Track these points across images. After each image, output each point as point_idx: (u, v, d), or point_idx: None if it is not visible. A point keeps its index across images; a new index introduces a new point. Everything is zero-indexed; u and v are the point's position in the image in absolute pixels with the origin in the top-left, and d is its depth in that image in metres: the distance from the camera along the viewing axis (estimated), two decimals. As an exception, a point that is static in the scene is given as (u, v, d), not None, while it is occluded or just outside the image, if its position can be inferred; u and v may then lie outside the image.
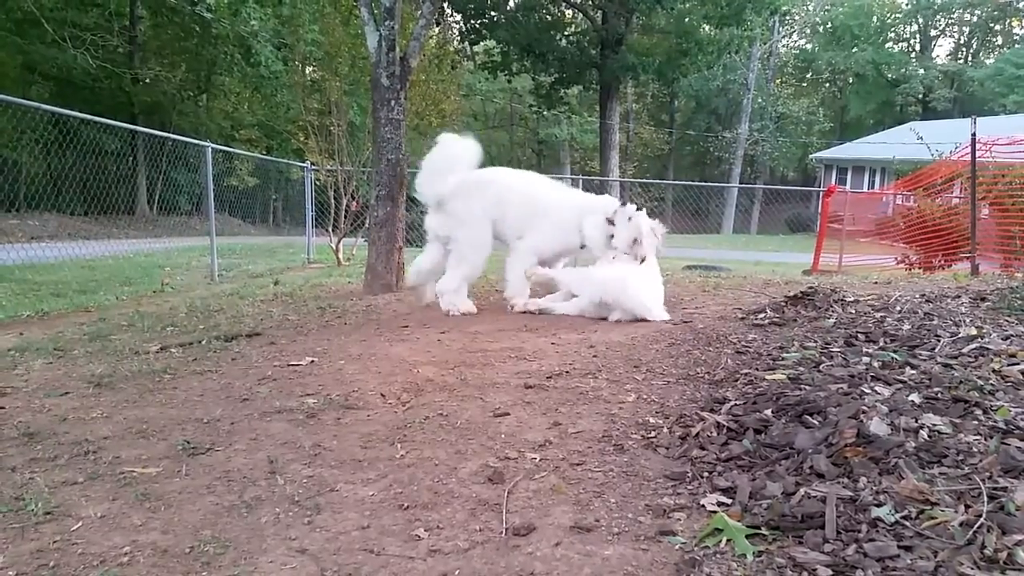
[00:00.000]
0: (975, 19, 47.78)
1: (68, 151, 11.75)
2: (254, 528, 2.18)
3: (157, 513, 2.29)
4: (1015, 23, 45.64)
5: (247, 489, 2.45)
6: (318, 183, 12.65)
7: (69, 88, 22.80)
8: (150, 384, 3.71)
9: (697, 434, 2.70)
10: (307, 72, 14.57)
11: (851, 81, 47.17)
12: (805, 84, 50.77)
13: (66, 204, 15.50)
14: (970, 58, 48.10)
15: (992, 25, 47.66)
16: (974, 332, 3.56)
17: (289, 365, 3.98)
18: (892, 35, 49.40)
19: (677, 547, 1.96)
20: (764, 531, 1.96)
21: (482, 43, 28.39)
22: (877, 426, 2.39)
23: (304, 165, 12.86)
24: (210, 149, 9.98)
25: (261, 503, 2.34)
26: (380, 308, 5.89)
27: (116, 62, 22.33)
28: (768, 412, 2.74)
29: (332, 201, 11.69)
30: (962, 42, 49.94)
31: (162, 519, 2.25)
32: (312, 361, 4.05)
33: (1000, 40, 48.02)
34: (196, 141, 10.76)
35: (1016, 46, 42.96)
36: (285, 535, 2.14)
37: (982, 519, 1.83)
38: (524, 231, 5.63)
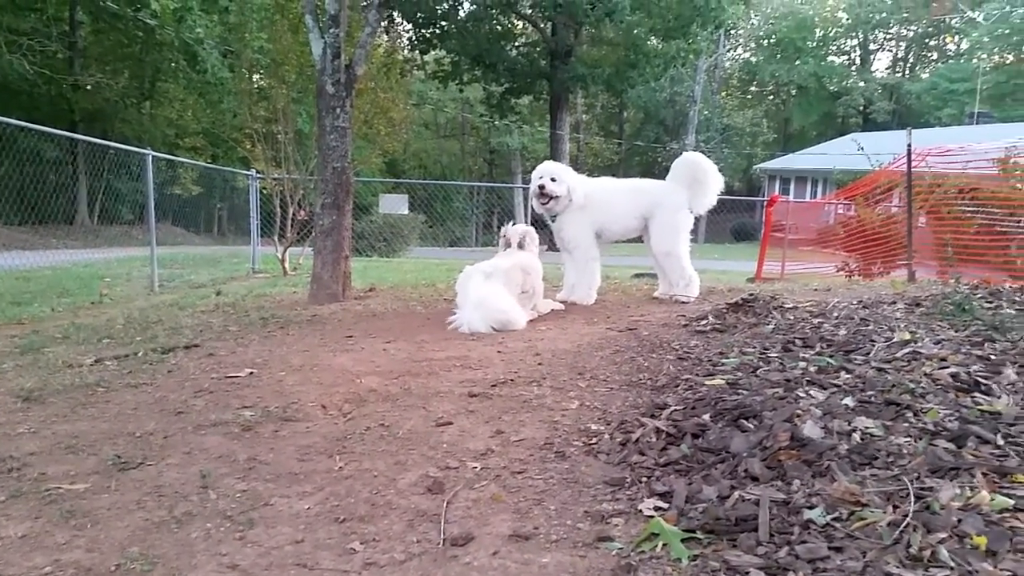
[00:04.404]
0: (911, 34, 49.43)
1: (4, 159, 11.38)
2: (184, 544, 2.13)
3: (83, 530, 2.22)
4: (949, 40, 47.30)
5: (178, 504, 2.38)
6: (264, 191, 12.44)
7: (5, 94, 22.05)
8: (82, 398, 3.60)
9: (637, 440, 2.71)
10: (254, 79, 14.34)
11: (794, 93, 48.28)
12: (750, 96, 51.78)
13: (1, 213, 14.99)
14: (907, 72, 49.69)
15: (927, 41, 49.34)
16: (908, 337, 3.65)
17: (227, 377, 3.89)
18: (834, 48, 50.80)
19: (614, 553, 1.97)
20: (699, 535, 1.98)
21: (432, 52, 28.33)
22: (811, 429, 2.43)
23: (249, 173, 12.65)
24: (151, 157, 9.75)
25: (192, 518, 2.28)
26: (325, 318, 5.81)
27: (55, 68, 21.76)
28: (706, 417, 2.76)
29: (278, 210, 11.52)
30: (900, 56, 51.62)
31: (88, 536, 2.18)
32: (251, 373, 3.97)
33: (935, 56, 49.72)
34: (137, 149, 10.51)
35: (950, 61, 44.54)
36: (216, 551, 2.08)
37: (908, 519, 1.87)
38: None
